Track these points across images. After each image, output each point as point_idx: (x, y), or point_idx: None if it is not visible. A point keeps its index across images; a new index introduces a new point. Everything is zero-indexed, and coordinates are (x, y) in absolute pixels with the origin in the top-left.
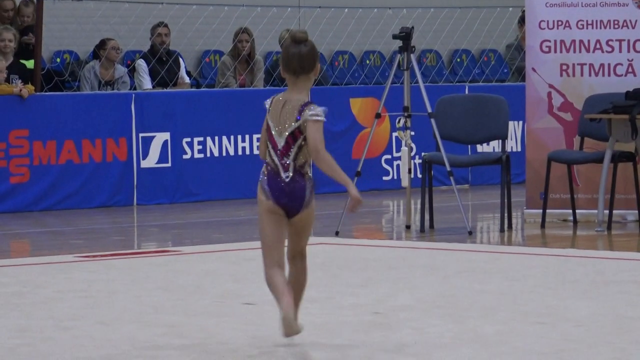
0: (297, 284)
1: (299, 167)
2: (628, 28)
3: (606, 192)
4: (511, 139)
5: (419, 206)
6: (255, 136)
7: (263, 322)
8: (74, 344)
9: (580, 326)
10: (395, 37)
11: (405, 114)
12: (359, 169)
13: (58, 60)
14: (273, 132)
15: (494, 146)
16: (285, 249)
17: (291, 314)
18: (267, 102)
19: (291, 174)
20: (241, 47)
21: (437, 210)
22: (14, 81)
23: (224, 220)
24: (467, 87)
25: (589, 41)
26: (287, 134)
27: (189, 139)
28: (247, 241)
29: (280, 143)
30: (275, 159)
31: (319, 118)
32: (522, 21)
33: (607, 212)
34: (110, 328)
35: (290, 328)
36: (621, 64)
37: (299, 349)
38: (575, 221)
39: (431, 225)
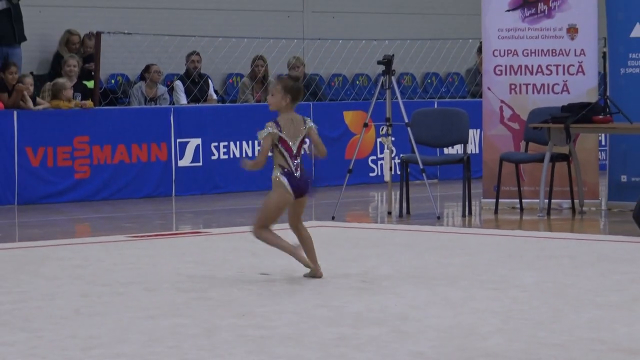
0: (310, 240)
1: (301, 165)
2: (563, 56)
3: (546, 185)
4: (471, 143)
5: (398, 196)
6: None
7: (273, 287)
8: (126, 306)
9: (526, 291)
10: (379, 62)
11: (387, 124)
12: (350, 167)
13: (112, 81)
14: (290, 143)
15: (457, 149)
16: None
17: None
18: (272, 126)
19: (300, 171)
20: (257, 71)
21: (413, 200)
22: (77, 98)
23: (244, 208)
24: (436, 102)
25: (532, 66)
26: (297, 142)
27: (216, 143)
28: None
29: (294, 149)
30: (290, 161)
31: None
32: (479, 50)
33: (547, 201)
34: (154, 293)
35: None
36: (558, 84)
37: (302, 306)
38: (521, 208)
39: (407, 212)
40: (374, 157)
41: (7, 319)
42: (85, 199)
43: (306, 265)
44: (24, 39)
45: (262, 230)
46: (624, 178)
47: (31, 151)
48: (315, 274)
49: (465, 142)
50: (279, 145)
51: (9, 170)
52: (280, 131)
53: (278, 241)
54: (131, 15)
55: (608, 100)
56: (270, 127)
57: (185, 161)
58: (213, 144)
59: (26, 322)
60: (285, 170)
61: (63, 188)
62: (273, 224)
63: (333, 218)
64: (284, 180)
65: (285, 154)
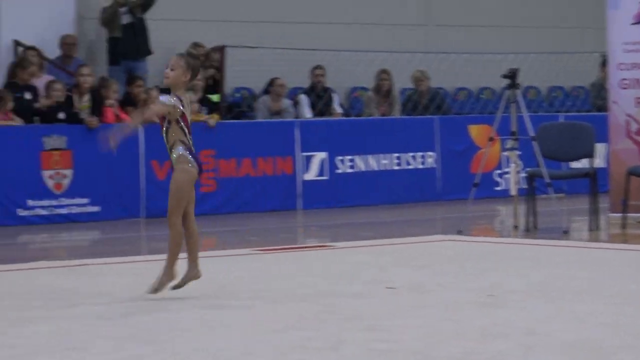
0: (195, 238)
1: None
2: None
3: None
4: (597, 157)
5: (524, 210)
6: (393, 155)
7: (400, 301)
8: (252, 319)
9: None
10: (504, 76)
11: (513, 138)
12: (476, 181)
13: (237, 94)
14: (189, 120)
15: (584, 163)
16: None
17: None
18: (174, 99)
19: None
20: (382, 84)
21: (539, 214)
22: (202, 111)
23: (369, 221)
24: (561, 116)
25: None
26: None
27: (341, 157)
28: (388, 237)
29: (189, 127)
30: (190, 138)
31: None
32: (603, 64)
33: None
34: (280, 306)
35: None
36: None
37: (429, 320)
38: None
39: (534, 226)
40: (500, 171)
41: (132, 332)
42: (211, 212)
43: (153, 290)
44: (150, 52)
45: (178, 221)
46: None
47: (157, 164)
48: (188, 280)
49: (591, 156)
50: (181, 122)
51: (136, 184)
52: (183, 107)
53: (179, 249)
54: (256, 29)
55: None
56: (174, 101)
57: (311, 175)
58: (338, 158)
59: (153, 335)
60: (187, 146)
61: None
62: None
63: (460, 232)
64: (188, 155)
65: (186, 130)
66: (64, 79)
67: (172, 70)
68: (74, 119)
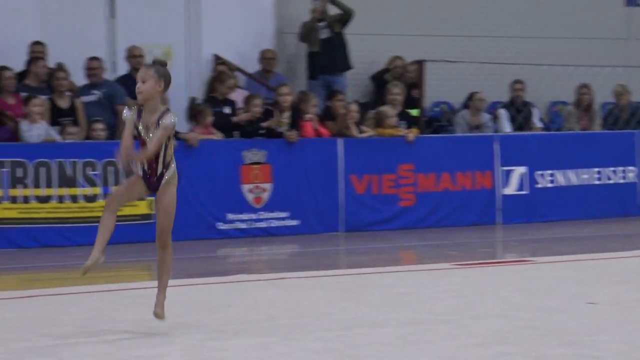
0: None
1: None
2: None
3: None
4: None
5: None
6: (593, 169)
7: (602, 316)
8: (452, 334)
9: None
10: None
11: None
12: None
13: (437, 109)
14: (142, 137)
15: None
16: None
17: None
18: (174, 117)
19: None
20: (582, 99)
21: None
22: (401, 126)
23: (569, 236)
24: None
25: None
26: None
27: (541, 172)
28: (588, 252)
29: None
30: None
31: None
32: None
33: None
34: (480, 321)
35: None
36: None
37: (632, 336)
38: None
39: None
40: None
41: (334, 346)
42: (410, 226)
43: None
44: (349, 67)
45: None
46: None
47: (356, 179)
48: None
49: None
50: (173, 138)
51: (334, 198)
52: (139, 119)
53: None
54: (455, 43)
55: None
56: (173, 118)
57: (511, 189)
58: (538, 172)
59: (352, 350)
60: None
61: (388, 216)
62: None
63: None
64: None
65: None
66: (264, 94)
67: (143, 82)
68: (273, 133)
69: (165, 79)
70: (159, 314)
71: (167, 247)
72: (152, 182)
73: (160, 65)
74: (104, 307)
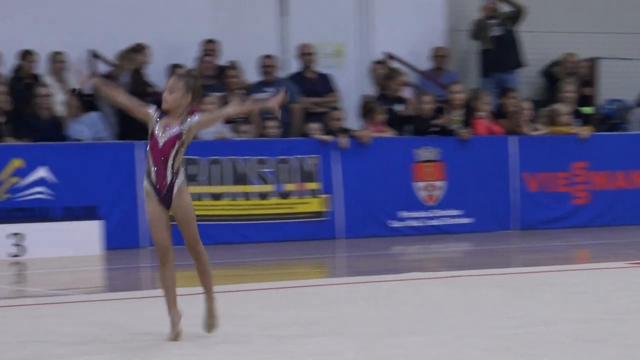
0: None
1: None
2: None
3: None
4: None
5: None
6: None
7: None
8: (623, 334)
9: None
10: None
11: None
12: None
13: (610, 107)
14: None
15: None
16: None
17: None
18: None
19: None
20: None
21: None
22: (574, 124)
23: None
24: None
25: None
26: None
27: None
28: None
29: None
30: None
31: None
32: None
33: None
34: None
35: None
36: None
37: None
38: None
39: None
40: None
41: (505, 344)
42: (584, 224)
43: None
44: (521, 65)
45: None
46: None
47: (529, 176)
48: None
49: None
50: (185, 146)
51: (506, 195)
52: (156, 125)
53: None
54: (629, 41)
55: None
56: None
57: None
58: None
59: (524, 348)
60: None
61: (561, 214)
62: None
63: None
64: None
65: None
66: (435, 91)
67: (170, 93)
68: (445, 131)
69: (194, 92)
70: (211, 324)
71: (201, 255)
72: (162, 195)
73: (191, 77)
74: (272, 303)
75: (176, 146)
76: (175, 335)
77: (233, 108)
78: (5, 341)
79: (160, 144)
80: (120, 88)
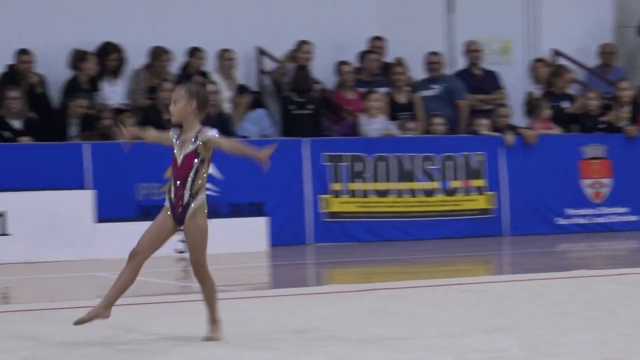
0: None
1: None
2: None
3: None
4: None
5: None
6: None
7: None
8: None
9: None
10: None
11: None
12: None
13: None
14: (177, 160)
15: None
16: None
17: None
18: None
19: None
20: None
21: None
22: None
23: None
24: None
25: None
26: None
27: None
28: None
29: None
30: None
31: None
32: None
33: None
34: None
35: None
36: None
37: None
38: None
39: None
40: None
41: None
42: None
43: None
44: None
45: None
46: None
47: None
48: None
49: None
50: (207, 164)
51: None
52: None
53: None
54: None
55: None
56: (213, 132)
57: None
58: None
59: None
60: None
61: None
62: None
63: None
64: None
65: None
66: (603, 88)
67: (174, 103)
68: (612, 128)
69: (198, 98)
70: (214, 337)
71: (205, 281)
72: (177, 213)
73: (193, 84)
74: (437, 300)
75: (195, 165)
76: (79, 321)
77: (230, 144)
78: (174, 337)
79: (179, 163)
80: (149, 127)
